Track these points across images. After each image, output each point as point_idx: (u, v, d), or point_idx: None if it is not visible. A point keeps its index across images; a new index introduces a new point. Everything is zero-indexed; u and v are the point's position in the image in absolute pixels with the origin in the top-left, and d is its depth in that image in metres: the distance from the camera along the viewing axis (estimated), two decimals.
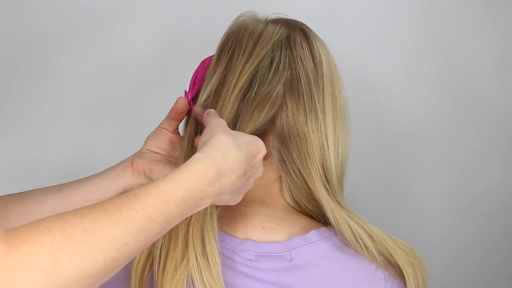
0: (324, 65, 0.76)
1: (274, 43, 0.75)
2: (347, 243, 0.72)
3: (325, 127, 0.74)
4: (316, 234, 0.72)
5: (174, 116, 0.79)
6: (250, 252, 0.71)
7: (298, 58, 0.75)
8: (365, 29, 1.26)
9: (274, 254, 0.71)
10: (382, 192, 1.31)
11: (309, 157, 0.73)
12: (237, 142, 0.63)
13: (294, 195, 0.75)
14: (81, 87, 1.24)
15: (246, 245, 0.71)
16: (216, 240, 0.68)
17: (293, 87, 0.74)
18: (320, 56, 0.76)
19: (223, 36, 0.79)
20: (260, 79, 0.74)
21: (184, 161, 0.59)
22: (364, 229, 0.71)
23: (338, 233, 0.72)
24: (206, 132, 0.64)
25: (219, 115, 0.73)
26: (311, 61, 0.76)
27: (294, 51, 0.75)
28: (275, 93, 0.73)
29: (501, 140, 1.31)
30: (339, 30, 1.23)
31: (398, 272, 0.72)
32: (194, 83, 0.81)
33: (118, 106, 1.25)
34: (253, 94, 0.73)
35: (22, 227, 0.45)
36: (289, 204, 0.76)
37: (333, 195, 0.74)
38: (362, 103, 1.25)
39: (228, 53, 0.77)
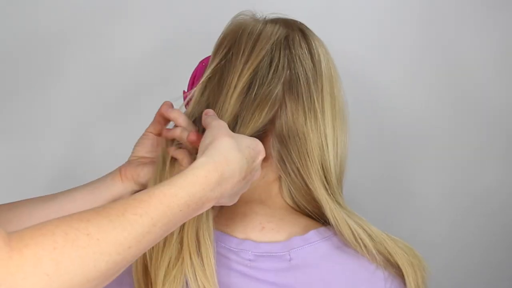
0: (323, 64, 0.76)
1: (273, 43, 0.75)
2: (347, 243, 0.72)
3: (324, 127, 0.74)
4: (316, 234, 0.72)
5: (158, 120, 0.79)
6: (250, 252, 0.71)
7: (297, 58, 0.75)
8: (365, 29, 1.26)
9: (273, 254, 0.71)
10: (382, 192, 1.31)
11: (308, 157, 0.73)
12: (239, 146, 0.63)
13: (294, 195, 0.76)
14: (81, 87, 1.24)
15: (245, 245, 0.71)
16: (211, 240, 0.68)
17: (292, 87, 0.74)
18: (319, 55, 0.76)
19: (221, 34, 0.79)
20: (260, 79, 0.74)
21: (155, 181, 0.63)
22: (364, 229, 0.71)
23: (337, 233, 0.72)
24: (208, 135, 0.64)
25: (219, 116, 0.73)
26: (310, 60, 0.76)
27: (293, 51, 0.75)
28: (275, 93, 0.73)
29: (501, 140, 1.31)
30: (339, 30, 1.23)
31: (397, 271, 0.72)
32: (193, 83, 0.81)
33: (118, 106, 1.25)
34: (253, 95, 0.73)
35: (25, 230, 0.45)
36: (288, 204, 0.76)
37: (332, 195, 0.74)
38: (362, 103, 1.25)
39: (223, 51, 0.77)
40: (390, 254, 0.71)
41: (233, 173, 0.61)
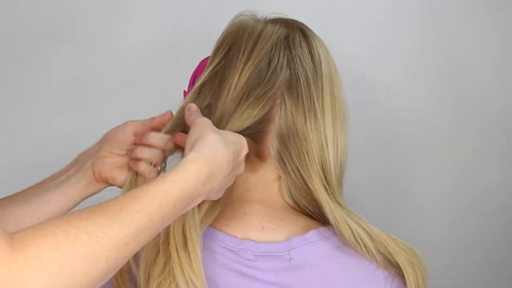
0: (323, 65, 0.76)
1: (273, 43, 0.75)
2: (347, 243, 0.72)
3: (324, 127, 0.74)
4: (316, 234, 0.72)
5: (156, 126, 0.77)
6: (250, 252, 0.71)
7: (297, 58, 0.75)
8: (365, 29, 1.26)
9: (273, 254, 0.71)
10: (382, 192, 1.31)
11: (308, 157, 0.73)
12: (225, 141, 0.64)
13: (293, 195, 0.75)
14: (80, 87, 1.24)
15: (245, 245, 0.71)
16: (197, 235, 0.68)
17: (292, 87, 0.74)
18: (319, 56, 0.76)
19: (221, 34, 0.79)
20: (260, 79, 0.74)
21: None
22: (364, 229, 0.71)
23: (337, 233, 0.72)
24: (193, 131, 0.65)
25: (219, 115, 0.73)
26: (310, 61, 0.76)
27: (293, 51, 0.75)
28: (271, 93, 0.73)
29: (501, 140, 1.31)
30: (339, 30, 1.23)
31: (398, 271, 0.72)
32: (193, 83, 0.80)
33: (117, 106, 1.25)
34: (251, 94, 0.73)
35: (26, 231, 0.46)
36: (288, 204, 0.76)
37: (332, 195, 0.74)
38: (362, 103, 1.25)
39: (224, 51, 0.77)
40: (390, 254, 0.71)
41: (222, 167, 0.62)
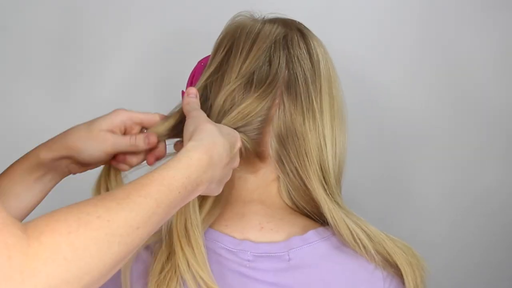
0: (322, 64, 0.76)
1: (271, 42, 0.75)
2: (345, 243, 0.72)
3: (322, 127, 0.74)
4: (314, 234, 0.72)
5: (143, 124, 0.76)
6: (249, 253, 0.71)
7: (296, 58, 0.75)
8: (365, 29, 1.26)
9: (272, 254, 0.71)
10: (382, 192, 1.31)
11: (307, 157, 0.73)
12: (221, 132, 0.65)
13: (292, 196, 0.75)
14: (80, 87, 1.24)
15: (244, 245, 0.71)
16: (199, 231, 0.69)
17: (290, 86, 0.74)
18: (317, 55, 0.76)
19: (220, 35, 0.79)
20: (259, 79, 0.74)
21: None
22: (362, 229, 0.71)
23: (336, 233, 0.72)
24: (190, 122, 0.66)
25: (216, 111, 0.74)
26: (309, 60, 0.76)
27: (292, 51, 0.75)
28: (268, 91, 0.73)
29: (501, 140, 1.31)
30: (339, 30, 1.23)
31: (396, 271, 0.72)
32: (191, 83, 0.81)
33: (117, 106, 1.25)
34: (252, 94, 0.73)
35: (38, 219, 0.46)
36: (287, 204, 0.76)
37: (331, 195, 0.74)
38: (362, 103, 1.25)
39: (223, 51, 0.77)
40: (389, 254, 0.71)
41: (221, 155, 0.62)
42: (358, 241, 0.70)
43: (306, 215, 0.76)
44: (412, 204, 1.32)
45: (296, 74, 0.74)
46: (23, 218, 0.74)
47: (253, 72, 0.74)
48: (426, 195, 1.32)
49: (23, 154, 0.76)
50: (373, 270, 0.72)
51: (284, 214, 0.75)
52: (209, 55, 0.82)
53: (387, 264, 0.72)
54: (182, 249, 0.67)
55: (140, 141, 0.73)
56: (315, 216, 0.76)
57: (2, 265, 0.42)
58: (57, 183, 0.77)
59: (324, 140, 0.74)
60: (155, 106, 1.19)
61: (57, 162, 0.74)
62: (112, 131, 0.74)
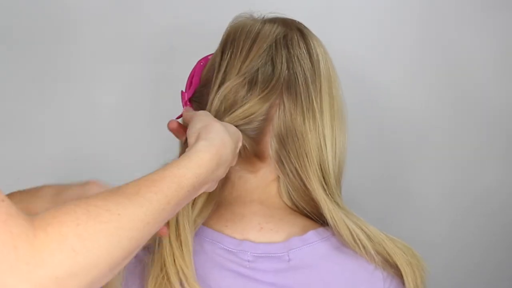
0: (322, 64, 0.76)
1: (271, 42, 0.75)
2: (345, 243, 0.71)
3: (322, 127, 0.74)
4: (314, 235, 0.72)
5: None
6: (248, 253, 0.71)
7: (296, 58, 0.75)
8: (365, 29, 1.26)
9: (272, 254, 0.71)
10: (382, 192, 1.31)
11: (307, 157, 0.73)
12: (229, 131, 0.65)
13: (292, 196, 0.75)
14: (79, 87, 1.24)
15: (244, 246, 0.71)
16: (190, 228, 0.69)
17: (290, 86, 0.74)
18: (317, 55, 0.76)
19: (222, 40, 0.79)
20: (258, 79, 0.74)
21: None
22: (362, 229, 0.71)
23: (336, 234, 0.72)
24: (196, 120, 0.66)
25: (218, 109, 0.74)
26: (308, 60, 0.76)
27: (292, 51, 0.75)
28: (272, 92, 0.73)
29: (501, 140, 1.31)
30: (339, 30, 1.23)
31: (396, 271, 0.72)
32: (191, 83, 0.80)
33: (116, 106, 1.25)
34: (251, 94, 0.73)
35: (45, 212, 0.45)
36: (286, 204, 0.76)
37: (330, 195, 0.74)
38: (362, 103, 1.25)
39: (223, 51, 0.77)
40: (388, 254, 0.71)
41: (228, 157, 0.63)
42: (358, 241, 0.70)
43: (305, 215, 0.76)
44: (412, 204, 1.32)
45: (296, 74, 0.74)
46: None
47: (256, 72, 0.74)
48: (426, 195, 1.32)
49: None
50: (373, 270, 0.72)
51: (284, 215, 0.75)
52: (209, 55, 0.82)
53: (387, 265, 0.72)
54: (170, 243, 0.67)
55: None
56: (314, 217, 0.76)
57: (7, 255, 0.40)
58: None
59: (324, 140, 0.74)
60: (155, 106, 1.19)
61: None
62: None
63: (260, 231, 0.73)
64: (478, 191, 1.31)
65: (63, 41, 1.22)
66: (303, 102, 0.74)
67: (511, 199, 1.32)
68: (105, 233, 0.46)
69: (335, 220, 0.71)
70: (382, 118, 1.29)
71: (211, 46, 0.81)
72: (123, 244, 0.47)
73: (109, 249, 0.46)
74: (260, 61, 0.74)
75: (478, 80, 1.28)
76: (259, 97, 0.73)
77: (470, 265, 1.33)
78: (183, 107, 0.81)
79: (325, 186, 0.74)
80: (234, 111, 0.72)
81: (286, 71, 0.74)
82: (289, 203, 0.76)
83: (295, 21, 0.80)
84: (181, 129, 0.74)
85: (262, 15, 0.81)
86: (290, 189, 0.75)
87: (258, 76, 0.74)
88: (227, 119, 0.72)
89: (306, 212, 0.76)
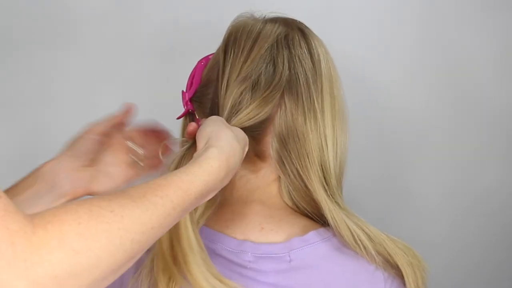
0: (323, 64, 0.76)
1: (272, 42, 0.75)
2: (346, 244, 0.71)
3: (324, 127, 0.74)
4: (315, 235, 0.72)
5: (121, 122, 0.77)
6: (249, 254, 0.71)
7: (297, 58, 0.75)
8: (365, 29, 1.26)
9: (273, 255, 0.71)
10: (382, 192, 1.31)
11: (308, 158, 0.73)
12: (237, 137, 0.64)
13: (293, 196, 0.75)
14: (79, 87, 1.24)
15: (245, 246, 0.71)
16: (194, 227, 0.66)
17: (291, 87, 0.74)
18: (318, 55, 0.76)
19: (223, 40, 0.79)
20: (259, 79, 0.74)
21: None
22: (363, 230, 0.71)
23: (336, 234, 0.72)
24: (208, 123, 0.65)
25: (222, 111, 0.74)
26: (310, 60, 0.75)
27: (293, 51, 0.75)
28: (274, 93, 0.73)
29: (501, 140, 1.31)
30: (339, 30, 1.23)
31: (397, 272, 0.72)
32: (192, 83, 0.80)
33: (115, 106, 1.25)
34: (252, 94, 0.73)
35: (46, 210, 0.44)
36: (287, 204, 0.76)
37: (331, 196, 0.73)
38: (362, 103, 1.25)
39: (225, 51, 0.77)
40: (389, 255, 0.71)
41: (236, 165, 0.63)
42: (358, 242, 0.70)
43: (306, 216, 0.76)
44: (412, 204, 1.32)
45: (297, 74, 0.74)
46: None
47: (258, 73, 0.73)
48: (426, 195, 1.32)
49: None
50: (374, 271, 0.72)
51: (285, 215, 0.75)
52: (209, 55, 0.82)
53: (388, 265, 0.72)
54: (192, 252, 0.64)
55: None
56: (315, 217, 0.76)
57: (5, 251, 0.39)
58: None
59: (325, 140, 0.74)
60: (155, 106, 1.19)
61: None
62: None
63: (261, 231, 0.73)
64: (478, 191, 1.32)
65: (62, 41, 1.22)
66: (305, 103, 0.74)
67: (511, 199, 1.32)
68: (107, 234, 0.45)
69: (336, 221, 0.71)
70: (382, 118, 1.29)
71: (211, 46, 0.81)
72: (125, 246, 0.46)
73: (111, 251, 0.45)
74: (262, 62, 0.74)
75: (478, 80, 1.28)
76: (261, 98, 0.72)
77: (470, 265, 1.33)
78: (184, 107, 0.81)
79: (326, 187, 0.74)
80: (238, 114, 0.72)
81: (288, 71, 0.74)
82: (290, 204, 0.76)
83: (296, 21, 0.80)
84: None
85: (263, 15, 0.81)
86: (291, 189, 0.75)
87: (260, 77, 0.73)
88: (233, 122, 0.71)
89: (307, 213, 0.76)
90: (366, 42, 1.26)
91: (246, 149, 0.68)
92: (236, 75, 0.74)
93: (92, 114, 1.24)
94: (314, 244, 0.72)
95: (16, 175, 0.75)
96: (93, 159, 0.76)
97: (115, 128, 0.77)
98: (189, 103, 0.80)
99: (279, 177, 0.75)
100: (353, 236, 0.70)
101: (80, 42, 1.23)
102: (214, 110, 0.75)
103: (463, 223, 1.33)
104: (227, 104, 0.73)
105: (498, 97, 1.29)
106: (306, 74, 0.74)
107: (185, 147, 0.68)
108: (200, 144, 0.62)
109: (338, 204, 0.73)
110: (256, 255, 0.71)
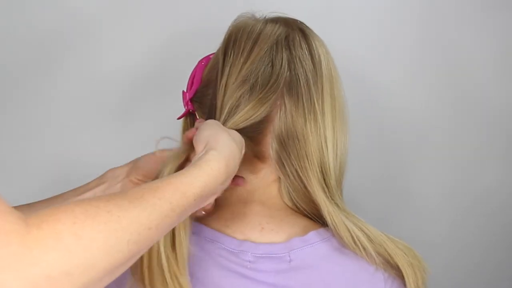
0: (323, 65, 0.76)
1: (273, 43, 0.75)
2: (345, 245, 0.71)
3: (324, 128, 0.74)
4: (315, 235, 0.72)
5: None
6: (249, 254, 0.71)
7: (297, 59, 0.75)
8: (365, 29, 1.26)
9: (273, 255, 0.71)
10: (382, 192, 1.31)
11: (307, 159, 0.73)
12: (235, 140, 0.64)
13: (292, 197, 0.75)
14: (79, 88, 1.24)
15: (245, 246, 0.71)
16: (186, 232, 0.66)
17: (292, 88, 0.74)
18: (319, 56, 0.76)
19: (223, 40, 0.79)
20: (259, 79, 0.73)
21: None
22: (363, 231, 0.71)
23: (336, 236, 0.72)
24: (204, 127, 0.65)
25: (218, 113, 0.73)
26: (310, 61, 0.75)
27: (293, 52, 0.75)
28: (270, 94, 0.73)
29: (501, 140, 1.31)
30: (339, 30, 1.23)
31: (398, 273, 0.72)
32: (192, 83, 0.80)
33: (116, 106, 1.25)
34: (252, 95, 0.73)
35: (41, 210, 0.43)
36: (287, 205, 0.76)
37: (331, 197, 0.73)
38: (362, 103, 1.25)
39: (225, 51, 0.77)
40: (389, 255, 0.71)
41: (235, 166, 0.63)
42: (358, 243, 0.70)
43: (306, 216, 0.76)
44: (412, 204, 1.32)
45: (298, 76, 0.74)
46: None
47: (257, 74, 0.74)
48: (426, 195, 1.32)
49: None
50: (374, 271, 0.72)
51: (285, 215, 0.75)
52: (210, 55, 0.82)
53: (388, 266, 0.72)
54: (164, 249, 0.64)
55: None
56: (315, 218, 0.76)
57: None
58: None
59: (326, 142, 0.74)
60: (155, 106, 1.19)
61: None
62: None
63: (261, 231, 0.73)
64: (478, 191, 1.32)
65: (63, 40, 1.22)
66: (305, 104, 0.73)
67: (511, 199, 1.33)
68: (103, 234, 0.44)
69: (335, 222, 0.71)
70: (382, 118, 1.29)
71: (211, 46, 0.81)
72: (122, 247, 0.45)
73: (107, 251, 0.44)
74: (261, 64, 0.74)
75: (478, 80, 1.29)
76: (257, 99, 0.72)
77: (470, 265, 1.34)
78: (184, 107, 0.81)
79: (325, 188, 0.73)
80: (234, 116, 0.72)
81: (288, 72, 0.74)
82: (289, 204, 0.76)
83: (297, 21, 0.80)
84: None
85: (264, 15, 0.80)
86: (291, 190, 0.75)
87: (259, 78, 0.73)
88: (229, 124, 0.71)
89: (307, 213, 0.76)
90: (366, 42, 1.26)
91: (243, 152, 0.68)
92: (235, 77, 0.74)
93: (92, 114, 1.25)
94: (314, 244, 0.72)
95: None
96: (147, 176, 0.78)
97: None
98: (189, 103, 0.80)
99: (279, 178, 0.75)
100: (352, 237, 0.70)
101: (79, 42, 1.23)
102: (212, 111, 0.75)
103: (463, 223, 1.33)
104: (225, 107, 0.73)
105: (498, 97, 1.29)
106: (306, 75, 0.74)
107: (180, 150, 0.68)
108: (199, 148, 0.62)
109: (338, 205, 0.73)
110: (256, 255, 0.71)
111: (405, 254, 0.72)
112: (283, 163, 0.74)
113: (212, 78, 0.78)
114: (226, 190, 0.71)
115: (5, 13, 1.20)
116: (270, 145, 0.74)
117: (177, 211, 0.52)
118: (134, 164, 0.78)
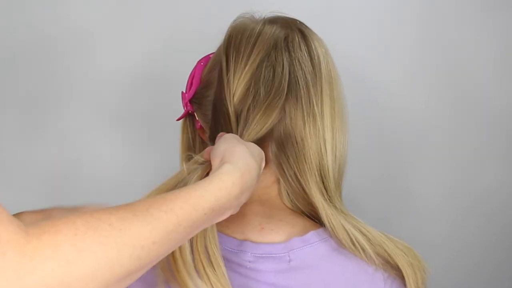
0: (323, 66, 0.75)
1: (271, 45, 0.74)
2: (344, 247, 0.71)
3: (323, 131, 0.73)
4: (315, 235, 0.72)
5: None
6: (249, 254, 0.71)
7: (297, 61, 0.74)
8: (365, 29, 1.26)
9: (273, 255, 0.71)
10: (382, 192, 1.31)
11: (305, 162, 0.72)
12: (253, 153, 0.63)
13: (291, 198, 0.75)
14: (79, 88, 1.24)
15: (244, 246, 0.71)
16: (217, 248, 0.66)
17: (291, 90, 0.73)
18: (318, 57, 0.75)
19: (223, 42, 0.78)
20: (260, 83, 0.73)
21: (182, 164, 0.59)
22: (362, 232, 0.71)
23: (334, 238, 0.72)
24: (221, 141, 0.64)
25: (227, 125, 0.73)
26: (309, 63, 0.74)
27: (293, 54, 0.74)
28: (278, 98, 0.72)
29: (501, 140, 1.31)
30: (339, 30, 1.23)
31: (398, 273, 0.72)
32: (191, 84, 0.80)
33: (116, 106, 1.25)
34: (255, 100, 0.72)
35: (44, 221, 0.43)
36: (287, 206, 0.76)
37: (329, 199, 0.73)
38: (362, 103, 1.25)
39: (224, 55, 0.76)
40: (389, 255, 0.71)
41: (253, 182, 0.61)
42: (357, 245, 0.70)
43: (306, 216, 0.76)
44: (412, 204, 1.32)
45: (297, 78, 0.73)
46: None
47: (255, 76, 0.73)
48: (426, 195, 1.32)
49: None
50: (374, 271, 0.71)
51: (284, 215, 0.75)
52: (209, 55, 0.82)
53: (388, 266, 0.72)
54: (204, 269, 0.64)
55: None
56: (314, 219, 0.75)
57: None
58: None
59: (325, 144, 0.73)
60: (155, 106, 1.19)
61: None
62: None
63: (261, 231, 0.73)
64: (478, 191, 1.32)
65: (64, 42, 1.22)
66: (304, 106, 0.73)
67: (511, 199, 1.33)
68: (104, 247, 0.43)
69: (333, 225, 0.71)
70: (382, 118, 1.29)
71: (211, 46, 0.81)
72: (123, 261, 0.45)
73: (108, 264, 0.44)
74: (262, 67, 0.73)
75: (478, 80, 1.29)
76: (264, 107, 0.71)
77: (470, 265, 1.34)
78: (184, 108, 0.81)
79: (323, 191, 0.73)
80: (248, 128, 0.71)
81: (288, 75, 0.73)
82: (289, 205, 0.75)
83: (296, 21, 0.79)
84: None
85: (263, 15, 0.80)
86: (290, 192, 0.74)
87: (260, 82, 0.73)
88: (245, 138, 0.70)
89: (306, 214, 0.76)
90: (366, 42, 1.26)
91: (263, 165, 0.66)
92: (236, 82, 0.73)
93: (92, 114, 1.25)
94: (314, 244, 0.71)
95: None
96: None
97: None
98: (188, 104, 0.79)
99: (279, 179, 0.75)
100: (351, 239, 0.70)
101: (79, 42, 1.23)
102: (226, 123, 0.73)
103: (463, 223, 1.33)
104: (238, 118, 0.72)
105: (498, 97, 1.29)
106: (305, 77, 0.74)
107: (199, 165, 0.66)
108: (215, 162, 0.61)
109: (336, 208, 0.73)
110: (256, 255, 0.71)
111: (405, 254, 0.72)
112: (282, 166, 0.74)
113: (211, 79, 0.77)
114: None
115: (5, 13, 1.20)
116: (270, 148, 0.74)
117: (184, 225, 0.50)
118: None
